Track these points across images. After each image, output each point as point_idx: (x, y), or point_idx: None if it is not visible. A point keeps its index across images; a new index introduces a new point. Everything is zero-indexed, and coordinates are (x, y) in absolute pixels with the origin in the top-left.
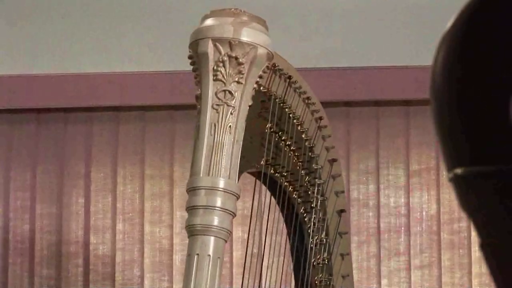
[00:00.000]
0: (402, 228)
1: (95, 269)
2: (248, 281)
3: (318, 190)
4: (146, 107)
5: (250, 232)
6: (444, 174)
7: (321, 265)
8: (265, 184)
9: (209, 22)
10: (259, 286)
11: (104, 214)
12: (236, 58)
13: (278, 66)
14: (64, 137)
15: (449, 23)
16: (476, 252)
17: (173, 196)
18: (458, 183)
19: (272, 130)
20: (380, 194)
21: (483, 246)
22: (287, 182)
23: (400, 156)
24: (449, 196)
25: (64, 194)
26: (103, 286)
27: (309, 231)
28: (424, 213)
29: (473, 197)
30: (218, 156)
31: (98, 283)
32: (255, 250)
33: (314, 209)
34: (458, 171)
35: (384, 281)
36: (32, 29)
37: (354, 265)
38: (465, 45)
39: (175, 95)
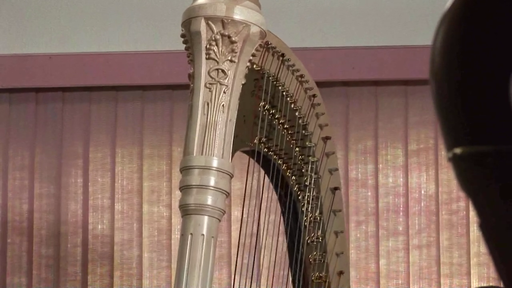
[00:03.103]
0: (401, 208)
1: (94, 249)
2: (242, 260)
3: (311, 168)
4: (144, 87)
5: (244, 211)
6: (443, 154)
7: (315, 243)
8: (258, 163)
9: (201, 0)
10: (253, 265)
11: (103, 193)
12: (229, 37)
13: (271, 44)
14: (62, 116)
15: (448, 2)
16: (474, 232)
17: (172, 176)
18: (457, 162)
19: (265, 108)
20: (379, 174)
21: (482, 226)
22: (280, 160)
23: (398, 136)
24: (448, 176)
25: (62, 174)
26: (101, 266)
27: (303, 209)
28: (422, 193)
29: (472, 177)
30: (211, 135)
31: (97, 263)
32: (250, 230)
33: (308, 187)
34: (458, 150)
35: (382, 261)
36: (31, 8)
37: (352, 245)
38: (464, 24)
39: (173, 74)
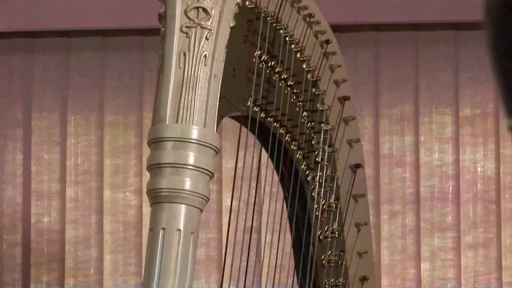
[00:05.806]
0: (450, 195)
1: (38, 249)
2: (231, 263)
3: (324, 138)
4: (106, 32)
5: (235, 199)
6: (505, 122)
7: (329, 239)
8: (253, 132)
9: None
10: (245, 269)
11: (50, 175)
12: None
13: None
14: None
15: None
16: None
17: (143, 151)
18: None
19: (262, 59)
20: (420, 149)
21: None
22: (283, 129)
23: (446, 97)
24: None
25: None
26: (48, 271)
27: (313, 194)
28: (478, 174)
29: None
30: (190, 96)
31: (42, 267)
32: (243, 223)
33: (319, 165)
34: None
35: (424, 264)
36: None
37: (384, 244)
38: None
39: (144, 15)
